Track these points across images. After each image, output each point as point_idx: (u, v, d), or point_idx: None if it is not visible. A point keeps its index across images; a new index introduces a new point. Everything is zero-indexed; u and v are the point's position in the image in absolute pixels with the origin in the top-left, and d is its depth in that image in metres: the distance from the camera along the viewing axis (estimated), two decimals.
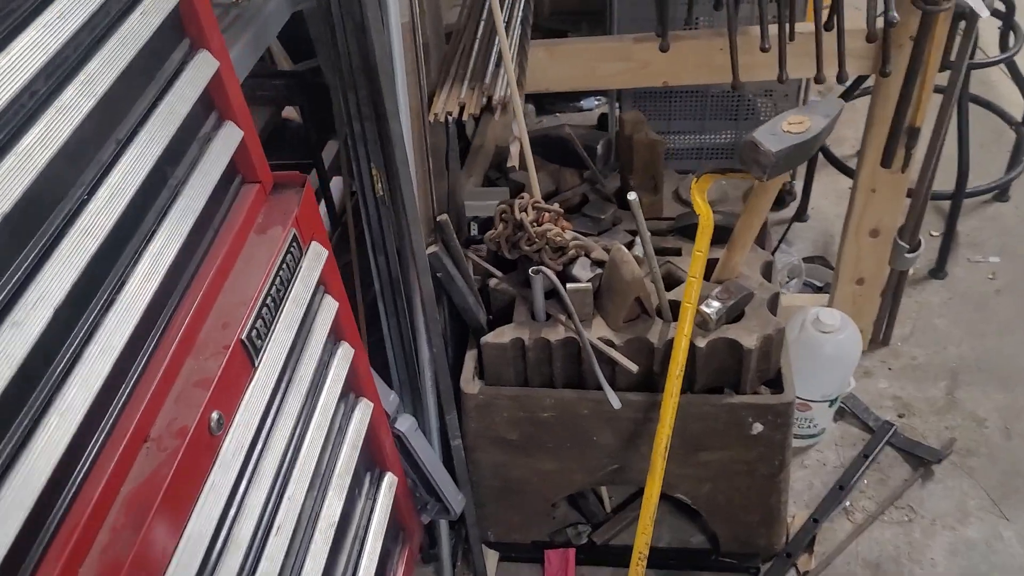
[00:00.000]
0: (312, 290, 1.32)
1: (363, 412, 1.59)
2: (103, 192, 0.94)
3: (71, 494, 0.89)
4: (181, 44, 1.12)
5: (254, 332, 1.15)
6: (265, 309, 1.18)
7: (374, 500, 1.69)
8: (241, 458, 1.12)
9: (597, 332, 1.92)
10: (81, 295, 0.92)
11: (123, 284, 0.99)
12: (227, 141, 1.21)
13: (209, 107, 1.19)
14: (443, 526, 2.18)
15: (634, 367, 1.86)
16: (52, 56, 0.84)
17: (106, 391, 0.94)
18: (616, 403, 1.86)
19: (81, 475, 0.91)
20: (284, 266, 1.24)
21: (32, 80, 0.82)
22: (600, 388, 1.88)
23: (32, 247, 0.86)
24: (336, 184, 2.96)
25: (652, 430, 1.88)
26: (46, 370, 0.87)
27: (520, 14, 2.20)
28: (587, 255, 1.94)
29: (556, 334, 1.91)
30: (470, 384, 2.01)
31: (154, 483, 0.97)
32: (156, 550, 0.95)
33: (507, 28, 2.02)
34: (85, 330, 0.93)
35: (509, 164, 2.25)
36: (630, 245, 2.07)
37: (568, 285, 1.89)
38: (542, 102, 3.98)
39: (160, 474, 0.98)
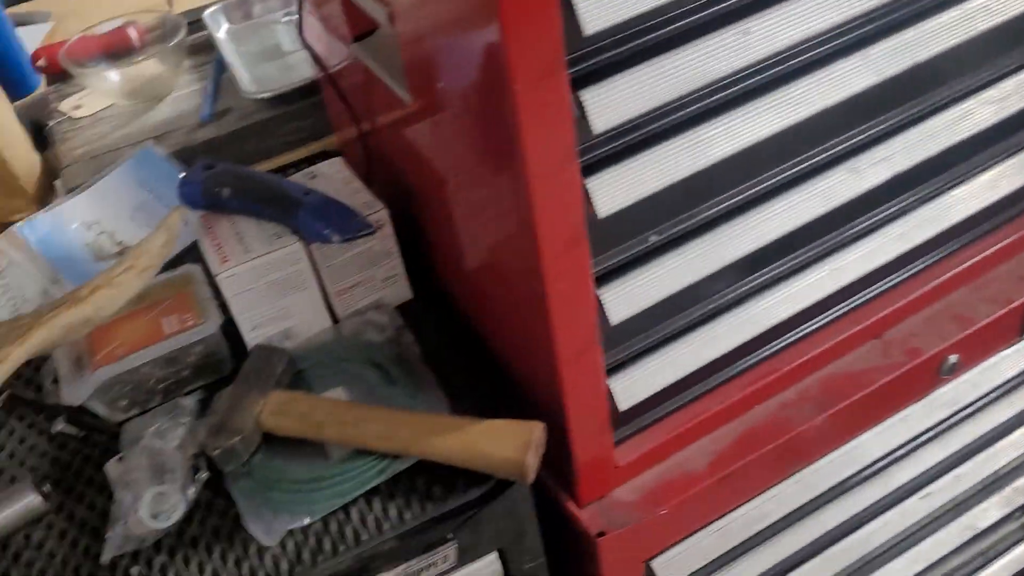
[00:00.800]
0: None
1: None
2: (981, 99, 0.83)
3: (783, 344, 0.89)
4: None
5: None
6: None
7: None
8: (945, 412, 1.00)
9: None
10: (913, 176, 0.86)
11: (956, 185, 0.89)
12: None
13: None
14: None
15: None
16: None
17: (874, 272, 0.89)
18: None
19: (802, 333, 0.90)
20: None
21: None
22: None
23: (902, 112, 0.81)
24: None
25: None
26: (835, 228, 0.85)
27: None
28: None
29: None
30: None
31: (859, 379, 0.92)
32: (820, 439, 0.92)
33: None
34: (895, 210, 0.88)
35: None
36: None
37: None
38: None
39: (868, 376, 0.92)
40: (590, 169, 0.66)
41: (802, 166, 0.78)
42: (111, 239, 1.02)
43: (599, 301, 0.72)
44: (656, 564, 0.89)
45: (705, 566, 0.94)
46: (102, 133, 1.14)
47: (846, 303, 0.92)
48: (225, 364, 0.90)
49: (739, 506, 0.91)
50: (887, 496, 1.06)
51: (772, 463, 0.90)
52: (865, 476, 1.02)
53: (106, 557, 0.76)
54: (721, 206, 0.76)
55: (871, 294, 0.93)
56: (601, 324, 0.73)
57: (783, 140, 0.74)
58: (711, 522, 0.90)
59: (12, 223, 1.14)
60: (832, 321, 0.92)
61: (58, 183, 1.08)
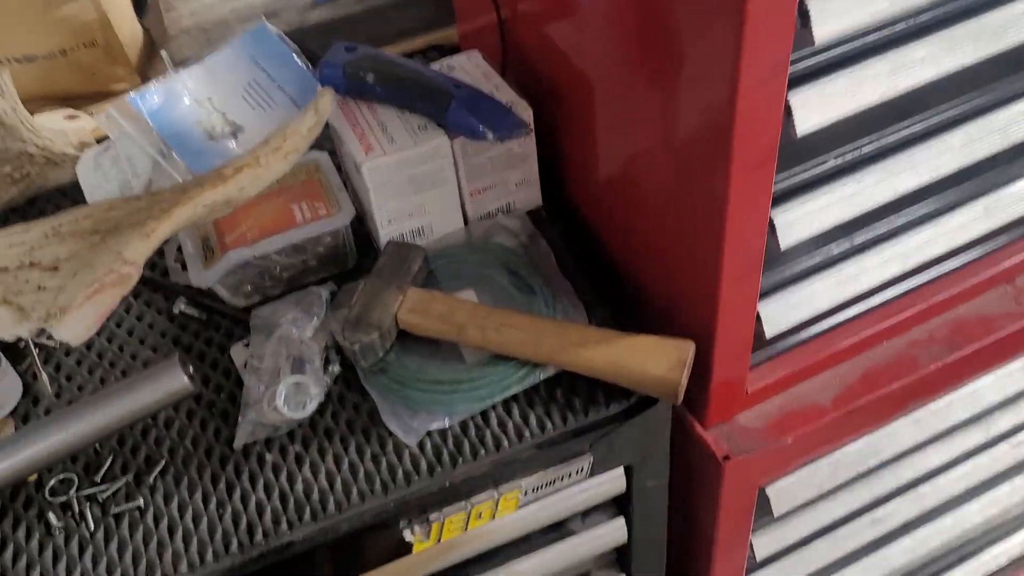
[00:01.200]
0: None
1: None
2: None
3: (919, 282, 0.87)
4: None
5: None
6: None
7: None
8: None
9: None
10: None
11: None
12: None
13: None
14: None
15: None
16: None
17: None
18: None
19: (938, 272, 0.87)
20: None
21: None
22: None
23: None
24: None
25: None
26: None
27: None
28: None
29: None
30: None
31: (988, 323, 0.90)
32: (942, 379, 0.90)
33: None
34: None
35: None
36: None
37: None
38: None
39: (998, 321, 0.90)
40: (791, 84, 0.62)
41: (984, 98, 0.75)
42: (223, 118, 0.98)
43: (772, 223, 0.69)
44: (771, 491, 0.88)
45: (813, 497, 0.94)
46: (209, 4, 1.09)
47: (982, 245, 0.89)
48: (349, 258, 0.88)
49: (856, 440, 0.91)
50: (986, 441, 1.06)
51: (895, 400, 0.88)
52: (974, 419, 1.01)
53: (239, 443, 0.75)
54: (901, 133, 0.72)
55: (1008, 238, 0.90)
56: (768, 247, 0.71)
57: (972, 71, 0.70)
58: (827, 454, 0.90)
59: (112, 93, 1.10)
60: (968, 263, 0.89)
61: (164, 54, 1.03)
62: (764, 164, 0.64)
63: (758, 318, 0.77)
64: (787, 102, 0.62)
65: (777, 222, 0.69)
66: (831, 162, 0.70)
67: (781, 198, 0.70)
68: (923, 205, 0.80)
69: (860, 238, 0.78)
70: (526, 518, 0.80)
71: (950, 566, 1.26)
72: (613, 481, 0.82)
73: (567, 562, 0.89)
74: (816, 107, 0.63)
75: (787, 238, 0.70)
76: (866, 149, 0.71)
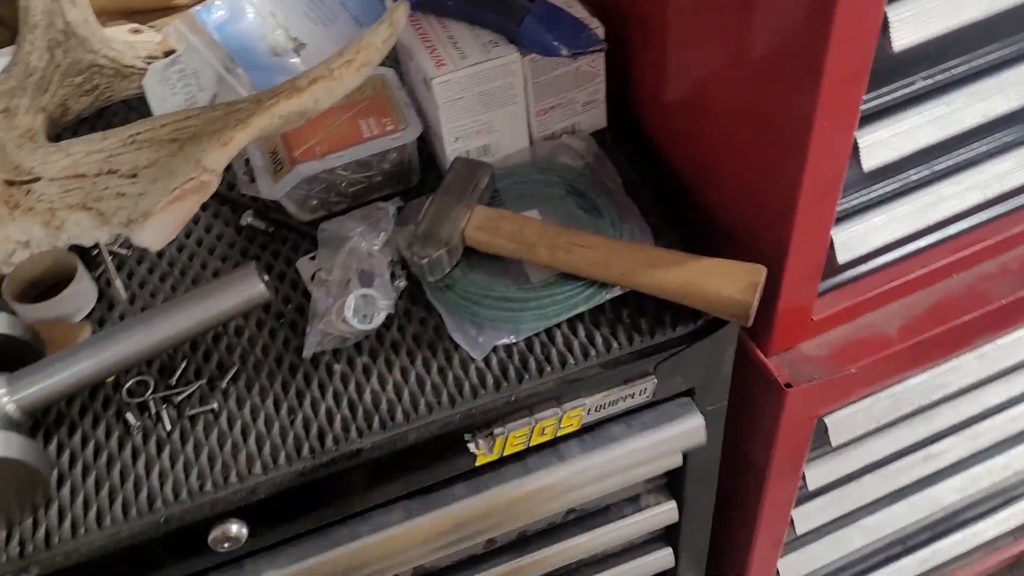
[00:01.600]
0: None
1: None
2: None
3: (995, 214, 0.85)
4: None
5: None
6: None
7: None
8: None
9: None
10: None
11: None
12: None
13: None
14: None
15: None
16: None
17: None
18: None
19: (1014, 205, 0.85)
20: None
21: None
22: None
23: None
24: None
25: None
26: None
27: None
28: None
29: None
30: None
31: None
32: (1012, 314, 0.89)
33: None
34: None
35: None
36: None
37: None
38: None
39: None
40: None
41: None
42: (286, 34, 0.98)
43: (856, 145, 0.68)
44: (830, 421, 0.88)
45: (871, 430, 0.93)
46: None
47: None
48: (414, 175, 0.87)
49: (920, 373, 0.90)
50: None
51: (962, 334, 0.87)
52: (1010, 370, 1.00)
53: (308, 353, 0.76)
54: (995, 54, 0.70)
55: None
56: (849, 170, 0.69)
57: None
58: (889, 386, 0.89)
59: (174, 8, 1.09)
60: None
61: None
62: (855, 83, 0.62)
63: (831, 244, 0.75)
64: (885, 16, 0.60)
65: (861, 144, 0.68)
66: (920, 83, 0.68)
67: (866, 119, 0.68)
68: (1007, 132, 0.78)
69: (940, 165, 0.76)
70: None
71: (996, 508, 1.26)
72: (681, 405, 0.82)
73: (618, 485, 0.90)
74: (915, 22, 0.61)
75: (870, 161, 0.69)
76: (957, 70, 0.69)
